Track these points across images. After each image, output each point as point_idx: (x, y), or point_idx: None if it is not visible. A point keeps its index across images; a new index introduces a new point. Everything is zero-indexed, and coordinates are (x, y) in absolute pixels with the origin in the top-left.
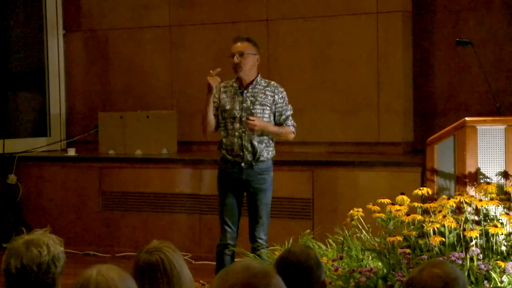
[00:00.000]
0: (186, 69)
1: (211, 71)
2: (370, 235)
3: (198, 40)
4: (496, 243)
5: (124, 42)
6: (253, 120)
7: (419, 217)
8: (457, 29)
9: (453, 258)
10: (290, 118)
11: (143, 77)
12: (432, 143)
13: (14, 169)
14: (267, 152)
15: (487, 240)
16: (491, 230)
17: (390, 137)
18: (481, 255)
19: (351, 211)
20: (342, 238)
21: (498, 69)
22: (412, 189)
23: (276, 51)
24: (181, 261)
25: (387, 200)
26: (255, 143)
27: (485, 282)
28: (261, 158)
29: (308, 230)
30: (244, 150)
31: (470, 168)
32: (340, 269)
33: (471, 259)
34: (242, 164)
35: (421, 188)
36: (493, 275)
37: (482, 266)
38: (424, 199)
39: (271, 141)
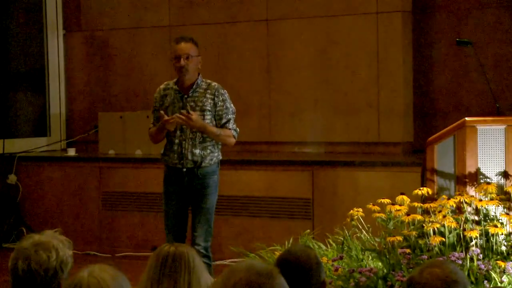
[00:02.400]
0: None
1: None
2: (370, 235)
3: (198, 40)
4: (496, 243)
5: (124, 42)
6: (191, 115)
7: (419, 217)
8: (457, 29)
9: (453, 258)
10: (232, 122)
11: (143, 77)
12: (432, 143)
13: (14, 169)
14: (210, 158)
15: (487, 240)
16: (491, 230)
17: (390, 137)
18: (481, 255)
19: (351, 211)
20: (342, 238)
21: (498, 69)
22: (412, 189)
23: (276, 51)
24: (203, 267)
25: (387, 200)
26: (197, 151)
27: (485, 282)
28: (203, 165)
29: (308, 230)
30: (184, 157)
31: (470, 168)
32: (340, 269)
33: (471, 259)
34: (184, 170)
35: (421, 188)
36: (493, 275)
37: (482, 266)
38: (424, 199)
39: (215, 146)
